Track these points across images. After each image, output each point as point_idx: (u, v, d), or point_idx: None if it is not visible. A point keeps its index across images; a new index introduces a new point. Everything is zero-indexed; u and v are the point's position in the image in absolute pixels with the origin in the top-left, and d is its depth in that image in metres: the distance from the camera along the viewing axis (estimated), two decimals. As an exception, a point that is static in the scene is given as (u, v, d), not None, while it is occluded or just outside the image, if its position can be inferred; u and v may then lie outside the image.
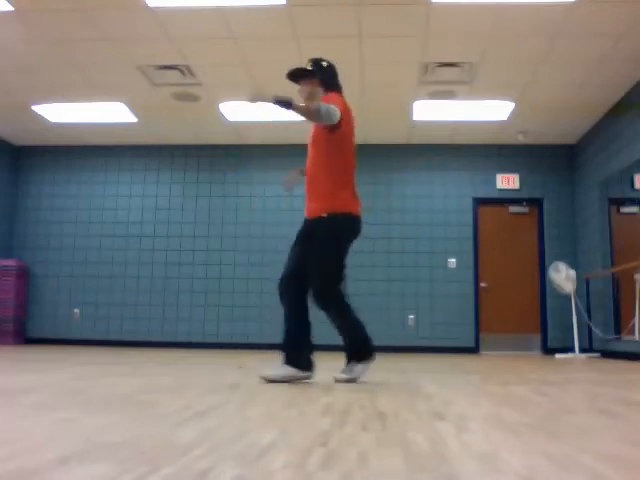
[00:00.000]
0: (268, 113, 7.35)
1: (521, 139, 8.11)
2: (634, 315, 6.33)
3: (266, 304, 8.10)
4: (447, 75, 6.24)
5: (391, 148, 8.46)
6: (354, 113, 7.97)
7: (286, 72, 3.41)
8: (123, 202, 8.68)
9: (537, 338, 8.09)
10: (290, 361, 3.22)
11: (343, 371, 3.27)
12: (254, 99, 3.21)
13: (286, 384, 3.10)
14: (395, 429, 1.74)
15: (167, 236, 8.54)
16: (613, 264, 6.98)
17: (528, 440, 1.59)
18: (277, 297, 3.43)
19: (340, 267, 3.25)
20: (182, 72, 6.31)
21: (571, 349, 7.44)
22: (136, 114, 7.56)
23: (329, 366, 4.33)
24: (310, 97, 3.36)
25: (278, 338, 9.20)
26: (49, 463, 1.24)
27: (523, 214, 8.41)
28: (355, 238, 3.32)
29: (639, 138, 6.33)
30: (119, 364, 4.53)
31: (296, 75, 3.42)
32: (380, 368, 4.44)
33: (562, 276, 7.42)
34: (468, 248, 8.22)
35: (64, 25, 5.38)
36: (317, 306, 3.26)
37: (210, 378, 3.41)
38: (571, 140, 8.23)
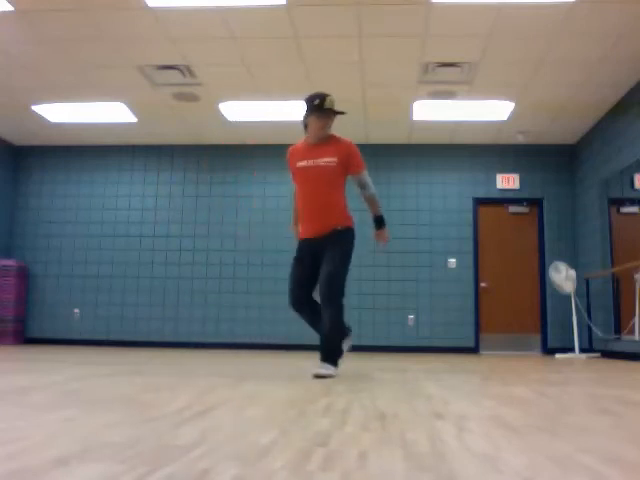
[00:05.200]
0: (268, 113, 7.36)
1: (521, 139, 8.10)
2: (634, 315, 6.33)
3: (266, 304, 8.09)
4: (447, 75, 6.23)
5: (391, 148, 8.45)
6: (355, 113, 7.95)
7: (332, 103, 3.77)
8: (123, 202, 8.67)
9: (537, 338, 8.09)
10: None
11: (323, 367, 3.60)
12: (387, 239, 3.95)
13: (285, 384, 3.11)
14: (395, 429, 1.74)
15: (167, 236, 8.54)
16: (613, 264, 6.98)
17: (528, 440, 1.59)
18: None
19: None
20: (182, 72, 6.30)
21: (571, 349, 7.43)
22: (136, 114, 7.56)
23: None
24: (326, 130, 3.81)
25: (277, 338, 9.16)
26: (49, 463, 1.24)
27: (523, 214, 8.41)
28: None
29: (639, 138, 6.33)
30: (119, 364, 4.53)
31: (332, 111, 3.78)
32: (380, 368, 4.44)
33: (562, 276, 7.42)
34: (468, 248, 8.22)
35: (64, 25, 5.38)
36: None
37: (210, 378, 3.41)
38: (571, 140, 8.23)
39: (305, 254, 3.77)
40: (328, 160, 3.70)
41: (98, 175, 8.77)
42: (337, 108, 3.80)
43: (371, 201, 3.85)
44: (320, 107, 3.71)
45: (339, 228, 3.70)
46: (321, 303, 3.60)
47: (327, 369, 3.54)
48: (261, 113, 7.37)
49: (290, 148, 3.94)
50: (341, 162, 3.73)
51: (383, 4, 4.94)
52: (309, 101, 3.77)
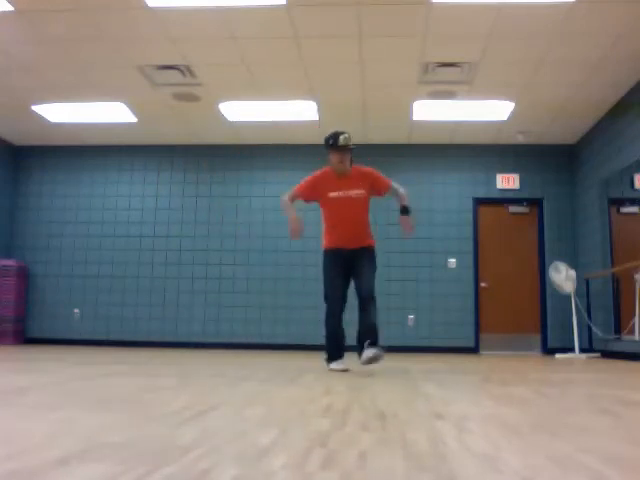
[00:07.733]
0: (268, 113, 7.36)
1: (521, 139, 8.10)
2: (634, 315, 6.33)
3: (266, 304, 8.09)
4: (447, 75, 6.23)
5: (391, 148, 8.45)
6: (355, 113, 7.97)
7: (346, 140, 4.28)
8: (123, 202, 8.67)
9: (537, 338, 8.09)
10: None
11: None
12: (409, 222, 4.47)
13: (285, 384, 3.11)
14: (395, 429, 1.74)
15: (167, 236, 8.54)
16: (613, 264, 6.97)
17: (528, 440, 1.59)
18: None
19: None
20: (182, 72, 6.30)
21: (571, 349, 7.44)
22: (136, 114, 7.56)
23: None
24: (347, 165, 4.35)
25: (277, 338, 9.14)
26: (49, 463, 1.24)
27: (523, 214, 8.40)
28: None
29: (639, 138, 6.33)
30: (119, 364, 4.53)
31: (346, 148, 4.28)
32: (380, 368, 4.44)
33: (562, 276, 7.42)
34: (468, 248, 8.22)
35: (64, 25, 5.37)
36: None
37: (210, 378, 3.41)
38: (571, 140, 8.23)
39: (341, 262, 4.32)
40: (358, 192, 4.30)
41: (98, 175, 8.77)
42: (351, 143, 4.27)
43: (402, 197, 4.46)
44: (334, 145, 4.24)
45: (369, 246, 4.38)
46: (363, 300, 4.22)
47: (379, 350, 4.01)
48: (261, 113, 7.37)
49: (320, 171, 4.41)
50: (368, 191, 4.35)
51: (383, 4, 4.94)
52: (325, 140, 4.32)
